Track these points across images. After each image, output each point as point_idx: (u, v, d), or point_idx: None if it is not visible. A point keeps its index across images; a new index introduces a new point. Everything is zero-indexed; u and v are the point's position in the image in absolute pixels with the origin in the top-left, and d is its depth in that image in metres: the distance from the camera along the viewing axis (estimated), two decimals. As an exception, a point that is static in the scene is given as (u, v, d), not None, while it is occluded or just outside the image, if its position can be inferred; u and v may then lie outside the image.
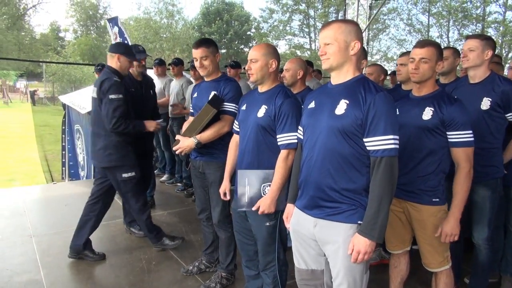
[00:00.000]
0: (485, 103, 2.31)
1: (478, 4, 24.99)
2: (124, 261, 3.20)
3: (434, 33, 27.25)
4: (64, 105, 8.31)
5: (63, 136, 8.09)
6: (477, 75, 2.39)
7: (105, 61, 3.44)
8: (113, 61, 3.05)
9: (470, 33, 25.05)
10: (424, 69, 2.05)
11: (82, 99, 6.95)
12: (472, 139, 2.00)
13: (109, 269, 3.07)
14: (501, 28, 24.08)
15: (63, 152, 8.11)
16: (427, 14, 26.95)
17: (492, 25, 24.89)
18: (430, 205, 2.05)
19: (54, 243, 3.49)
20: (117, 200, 4.74)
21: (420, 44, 2.09)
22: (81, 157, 7.17)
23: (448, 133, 2.01)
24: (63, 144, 8.08)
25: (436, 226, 2.05)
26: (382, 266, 3.09)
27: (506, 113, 2.32)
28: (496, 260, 2.71)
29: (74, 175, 7.65)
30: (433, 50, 2.03)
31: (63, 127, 8.10)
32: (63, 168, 8.15)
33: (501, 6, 24.52)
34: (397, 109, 2.12)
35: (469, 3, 25.08)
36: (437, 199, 2.05)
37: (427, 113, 2.03)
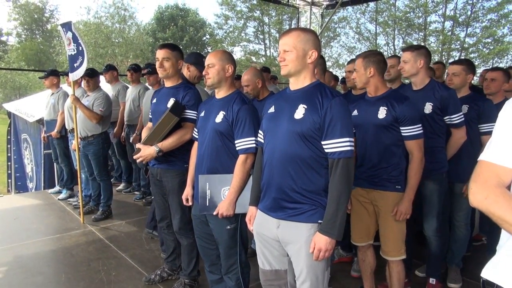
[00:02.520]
0: (428, 108, 2.56)
1: (420, 14, 26.64)
2: (81, 273, 3.08)
3: (381, 41, 28.69)
4: (9, 114, 7.86)
5: (9, 146, 7.66)
6: (417, 83, 2.64)
7: (51, 67, 3.28)
8: (184, 70, 2.95)
9: (414, 41, 26.80)
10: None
11: (30, 107, 6.62)
12: (421, 131, 2.27)
13: (66, 283, 2.94)
14: (440, 37, 25.81)
15: (9, 163, 7.67)
16: (374, 23, 28.32)
17: (433, 34, 26.62)
18: (394, 192, 2.30)
19: (4, 259, 3.29)
20: (71, 211, 4.56)
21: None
22: (30, 168, 6.81)
23: (401, 128, 2.26)
24: (9, 154, 7.65)
25: None
26: (340, 265, 3.22)
27: (444, 116, 2.58)
28: (443, 251, 2.92)
29: (21, 187, 7.24)
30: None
31: (8, 137, 7.67)
32: (9, 180, 7.70)
33: (440, 16, 26.35)
34: (356, 110, 2.41)
35: (411, 14, 26.68)
36: (399, 187, 2.30)
37: (382, 112, 2.28)
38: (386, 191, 2.31)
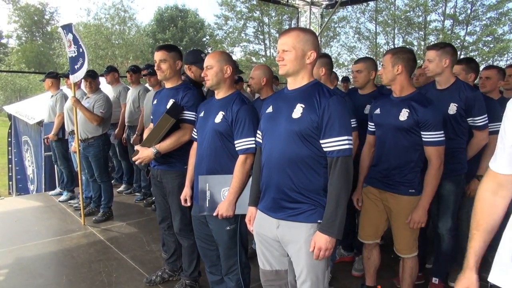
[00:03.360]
0: (452, 108, 2.49)
1: (420, 13, 26.63)
2: (82, 275, 3.08)
3: (381, 40, 28.70)
4: (10, 116, 7.87)
5: (9, 148, 7.66)
6: (441, 82, 2.54)
7: (52, 69, 3.28)
8: (187, 72, 2.91)
9: (414, 40, 26.80)
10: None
11: (31, 109, 6.63)
12: (443, 138, 2.19)
13: (67, 285, 2.94)
14: (440, 36, 25.78)
15: (10, 166, 7.67)
16: (374, 22, 28.31)
17: (433, 33, 26.61)
18: (407, 196, 2.27)
19: (5, 261, 3.29)
20: (71, 213, 4.56)
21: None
22: (31, 170, 6.81)
23: (422, 133, 2.20)
24: (10, 157, 7.65)
25: None
26: (341, 264, 3.22)
27: (467, 117, 2.51)
28: (454, 251, 2.90)
29: (22, 189, 7.24)
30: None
31: (9, 139, 7.67)
32: (10, 183, 7.71)
33: (440, 15, 26.33)
34: (379, 109, 2.38)
35: (411, 12, 26.67)
36: (413, 190, 2.26)
37: (403, 115, 2.22)
38: (400, 194, 2.28)
